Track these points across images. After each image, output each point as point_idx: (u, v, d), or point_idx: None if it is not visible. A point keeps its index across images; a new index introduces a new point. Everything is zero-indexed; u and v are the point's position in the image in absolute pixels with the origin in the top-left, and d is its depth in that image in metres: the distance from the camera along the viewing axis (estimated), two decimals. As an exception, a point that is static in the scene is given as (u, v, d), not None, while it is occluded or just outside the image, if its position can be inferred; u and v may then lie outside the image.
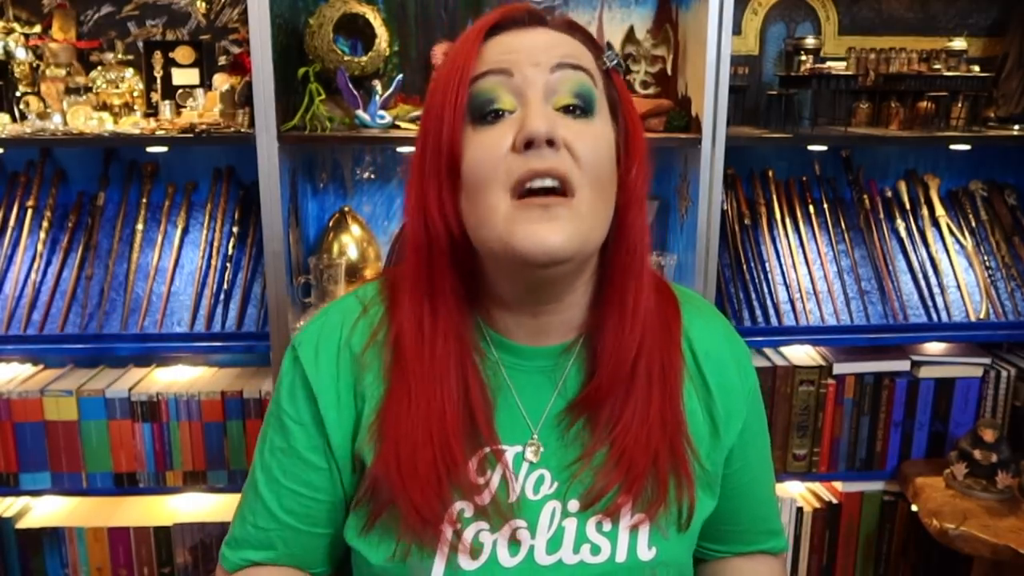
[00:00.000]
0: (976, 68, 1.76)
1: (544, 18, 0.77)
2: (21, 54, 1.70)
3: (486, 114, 0.72)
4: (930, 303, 1.77)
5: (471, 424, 0.76)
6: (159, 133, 1.60)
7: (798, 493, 1.87)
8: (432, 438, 0.74)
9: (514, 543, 0.76)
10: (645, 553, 0.77)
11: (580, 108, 0.73)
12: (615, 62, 0.79)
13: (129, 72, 1.73)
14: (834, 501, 1.84)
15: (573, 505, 0.77)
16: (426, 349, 0.76)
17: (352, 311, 0.83)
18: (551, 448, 0.79)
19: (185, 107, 1.73)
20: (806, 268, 1.78)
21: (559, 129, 0.70)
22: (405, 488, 0.74)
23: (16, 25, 1.73)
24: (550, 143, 0.70)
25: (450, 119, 0.72)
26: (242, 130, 1.61)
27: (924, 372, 1.77)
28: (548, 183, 0.70)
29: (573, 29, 0.78)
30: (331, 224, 1.80)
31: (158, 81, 1.75)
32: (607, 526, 0.77)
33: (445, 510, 0.75)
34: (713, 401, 0.83)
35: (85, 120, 1.64)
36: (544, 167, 0.69)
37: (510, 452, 0.78)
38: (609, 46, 0.80)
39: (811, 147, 1.85)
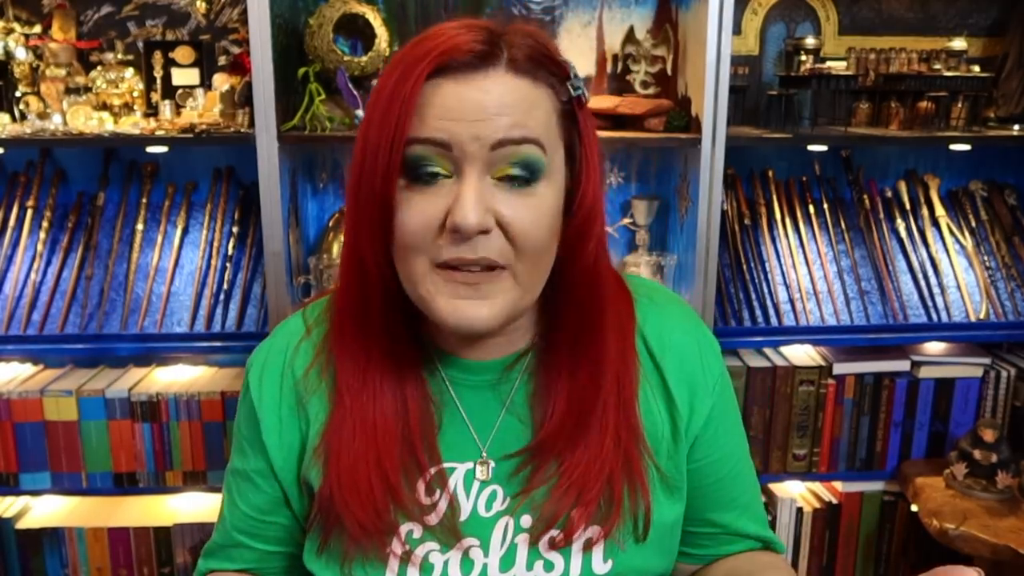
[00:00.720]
0: (976, 68, 1.76)
1: (496, 54, 0.68)
2: (21, 54, 1.70)
3: (420, 174, 0.68)
4: (930, 303, 1.77)
5: (410, 447, 0.76)
6: (159, 133, 1.60)
7: (798, 493, 1.87)
8: (368, 461, 0.74)
9: (467, 561, 0.75)
10: (600, 567, 0.75)
11: (523, 178, 0.68)
12: (579, 92, 0.72)
13: (129, 72, 1.73)
14: (834, 501, 1.84)
15: (526, 520, 0.76)
16: (360, 374, 0.76)
17: (296, 333, 0.83)
18: (501, 465, 0.78)
19: (185, 107, 1.73)
20: (806, 268, 1.78)
21: (496, 205, 0.68)
22: (348, 504, 0.73)
23: (16, 25, 1.73)
24: (483, 231, 0.67)
25: (382, 177, 0.67)
26: (242, 130, 1.61)
27: (924, 372, 1.77)
28: (475, 268, 0.68)
29: (534, 64, 0.69)
30: (331, 224, 1.80)
31: (158, 81, 1.75)
32: (560, 542, 0.75)
33: (392, 529, 0.74)
34: (671, 397, 0.80)
35: (85, 120, 1.64)
36: (474, 257, 0.67)
37: (460, 470, 0.77)
38: (574, 71, 0.72)
39: (811, 147, 1.85)
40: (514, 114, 0.67)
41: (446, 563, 0.75)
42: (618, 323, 0.80)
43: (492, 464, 0.78)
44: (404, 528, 0.75)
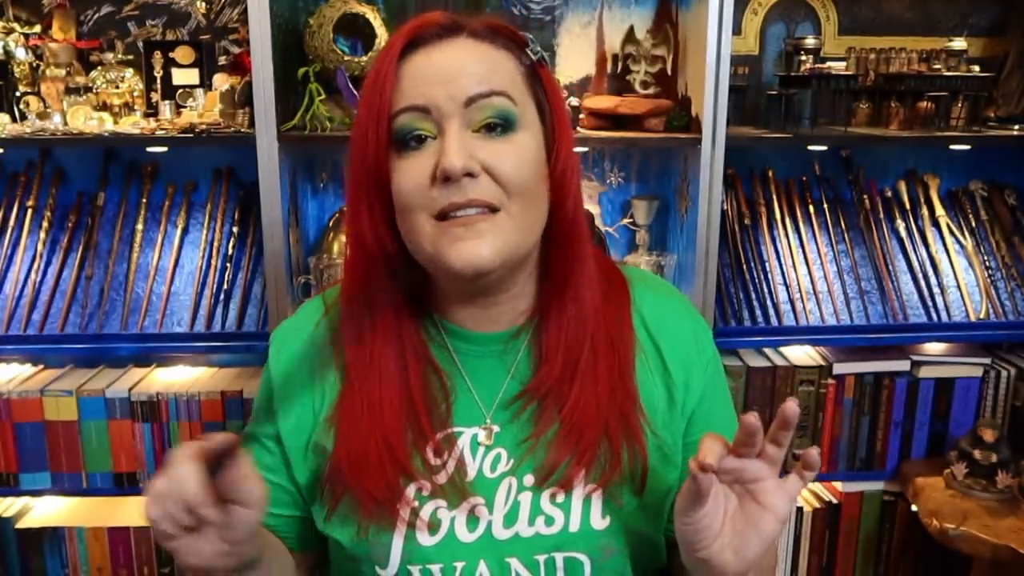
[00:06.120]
0: (976, 68, 1.76)
1: (460, 26, 0.78)
2: (21, 54, 1.70)
3: (408, 140, 0.75)
4: (930, 303, 1.77)
5: (415, 417, 0.81)
6: (159, 133, 1.60)
7: (798, 493, 1.87)
8: (376, 439, 0.79)
9: (472, 519, 0.79)
10: (599, 522, 0.79)
11: (499, 127, 0.76)
12: (539, 56, 0.80)
13: (129, 72, 1.73)
14: (834, 501, 1.84)
15: (528, 480, 0.81)
16: (366, 354, 0.82)
17: (317, 311, 0.89)
18: (505, 428, 0.83)
19: (185, 107, 1.73)
20: (806, 268, 1.78)
21: (478, 153, 0.74)
22: (359, 480, 0.78)
23: (16, 25, 1.73)
24: (469, 174, 0.73)
25: (374, 150, 0.75)
26: (242, 130, 1.61)
27: (924, 372, 1.77)
28: (471, 211, 0.74)
29: (493, 33, 0.79)
30: (331, 224, 1.80)
31: (158, 81, 1.75)
32: (560, 498, 0.80)
33: (400, 493, 0.79)
34: (669, 373, 0.86)
35: (85, 120, 1.64)
36: (464, 200, 0.73)
37: (467, 434, 0.82)
38: (532, 40, 0.81)
39: (811, 147, 1.85)
40: (479, 72, 0.75)
41: (453, 519, 0.79)
42: (611, 298, 0.86)
43: (496, 429, 0.83)
44: (413, 487, 0.79)
